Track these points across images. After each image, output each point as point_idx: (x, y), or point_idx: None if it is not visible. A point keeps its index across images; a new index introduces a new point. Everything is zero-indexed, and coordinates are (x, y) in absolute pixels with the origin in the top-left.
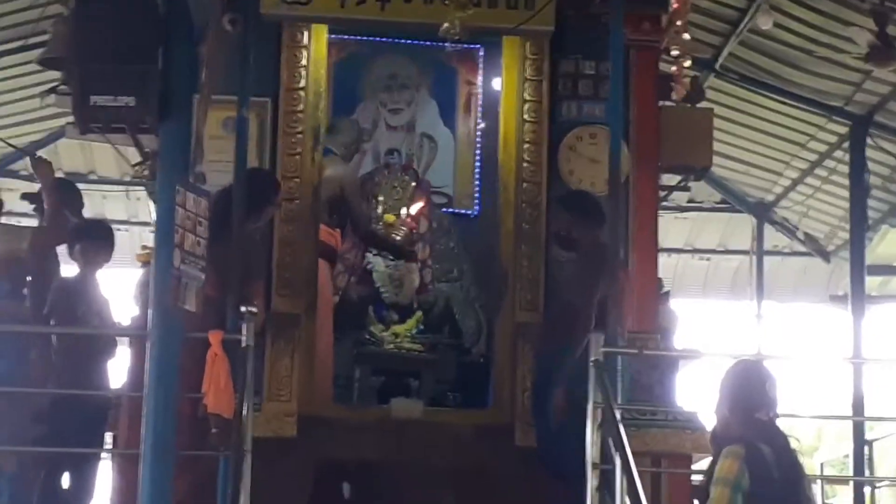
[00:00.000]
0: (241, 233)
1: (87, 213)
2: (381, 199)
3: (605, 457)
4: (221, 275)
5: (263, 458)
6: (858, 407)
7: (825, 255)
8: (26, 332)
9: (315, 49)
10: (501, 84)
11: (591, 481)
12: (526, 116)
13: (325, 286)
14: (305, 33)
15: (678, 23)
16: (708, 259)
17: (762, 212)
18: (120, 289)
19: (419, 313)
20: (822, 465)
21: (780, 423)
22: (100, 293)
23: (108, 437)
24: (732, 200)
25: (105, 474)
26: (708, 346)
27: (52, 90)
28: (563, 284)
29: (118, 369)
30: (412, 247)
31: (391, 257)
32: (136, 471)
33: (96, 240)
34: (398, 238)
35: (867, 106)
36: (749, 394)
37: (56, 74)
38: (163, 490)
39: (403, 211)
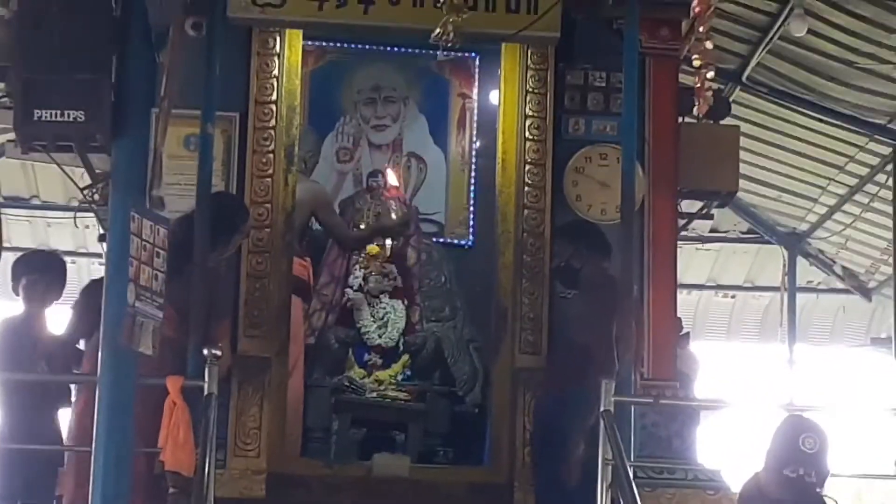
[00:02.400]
0: (204, 265)
1: (30, 242)
2: (362, 226)
3: None
4: (181, 313)
5: None
6: None
7: (866, 293)
8: None
9: (289, 57)
10: (500, 97)
11: None
12: (528, 134)
13: (298, 325)
14: (278, 39)
15: (700, 29)
16: (734, 296)
17: (795, 243)
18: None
19: (406, 357)
20: None
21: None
22: (48, 334)
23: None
24: (761, 230)
25: None
26: (733, 394)
27: None
28: (568, 323)
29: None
30: (407, 226)
31: (394, 238)
32: None
33: (46, 273)
34: (394, 218)
35: None
36: (780, 447)
37: None
38: None
39: (391, 177)
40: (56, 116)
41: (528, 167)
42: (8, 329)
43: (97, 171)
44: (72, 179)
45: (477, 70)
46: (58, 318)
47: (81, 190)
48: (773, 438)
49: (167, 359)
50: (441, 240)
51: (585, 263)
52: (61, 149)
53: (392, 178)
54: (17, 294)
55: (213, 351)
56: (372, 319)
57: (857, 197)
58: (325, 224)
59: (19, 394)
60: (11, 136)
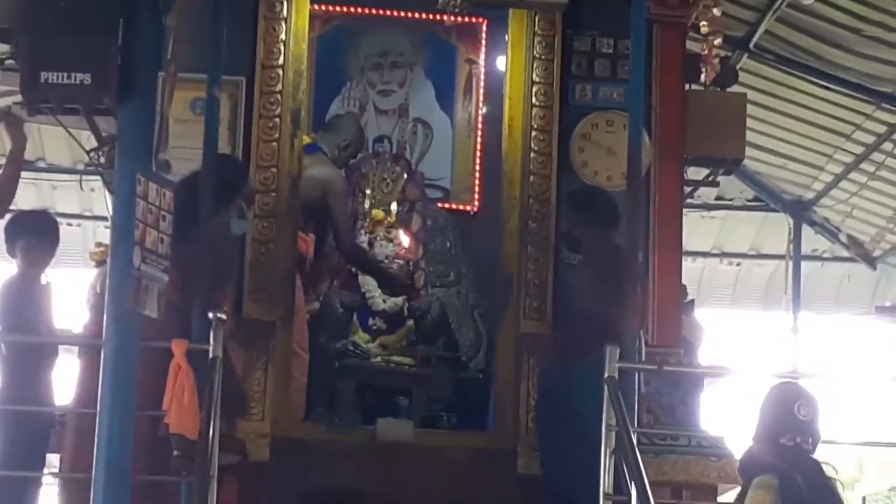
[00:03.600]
0: (208, 229)
1: (35, 204)
2: (368, 192)
3: (619, 487)
4: (185, 276)
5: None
6: None
7: (871, 261)
8: None
9: (296, 22)
10: (507, 63)
11: None
12: (534, 100)
13: (301, 290)
14: (285, 4)
15: None
16: (738, 264)
17: (800, 211)
18: (71, 292)
19: (410, 322)
20: (863, 498)
21: (818, 450)
22: (45, 296)
23: (53, 460)
24: (767, 198)
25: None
26: (737, 362)
27: (1, 66)
28: (572, 291)
29: (63, 382)
30: (409, 280)
31: (384, 292)
32: (85, 498)
33: (41, 235)
34: (392, 270)
35: None
36: (775, 416)
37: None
38: None
39: (405, 239)
40: (62, 79)
41: (534, 133)
42: (8, 289)
43: (103, 133)
44: (78, 142)
45: (484, 36)
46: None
47: (88, 153)
48: (765, 407)
49: (171, 322)
50: (446, 205)
51: (587, 234)
52: (68, 111)
53: (405, 241)
54: (14, 256)
55: (219, 314)
56: (377, 284)
57: (864, 165)
58: (332, 212)
59: (19, 355)
60: (18, 98)
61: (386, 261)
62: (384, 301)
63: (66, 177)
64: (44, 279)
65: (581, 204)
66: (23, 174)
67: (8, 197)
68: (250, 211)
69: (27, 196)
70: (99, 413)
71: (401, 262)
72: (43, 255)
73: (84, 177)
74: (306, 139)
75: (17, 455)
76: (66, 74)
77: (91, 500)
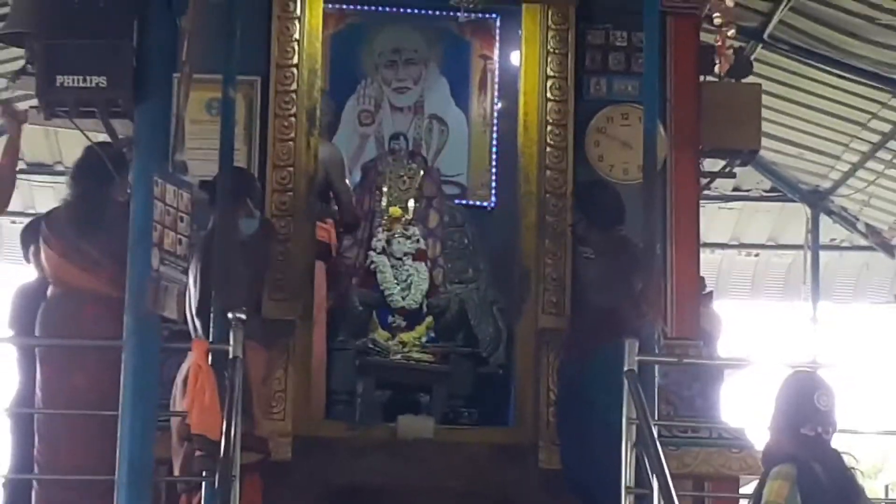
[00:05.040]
0: (226, 231)
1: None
2: (385, 189)
3: (641, 480)
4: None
5: None
6: None
7: (889, 249)
8: None
9: (310, 20)
10: (521, 58)
11: None
12: (549, 95)
13: (320, 288)
14: (298, 2)
15: None
16: (756, 255)
17: (817, 201)
18: None
19: (429, 319)
20: (886, 487)
21: (837, 441)
22: None
23: None
24: (784, 188)
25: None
26: (757, 353)
27: (22, 71)
28: (586, 285)
29: None
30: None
31: (414, 205)
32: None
33: None
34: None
35: None
36: (795, 406)
37: (18, 52)
38: None
39: (410, 203)
40: (78, 82)
41: (549, 128)
42: (24, 295)
43: (120, 136)
44: (91, 142)
45: (498, 31)
46: None
47: None
48: (784, 398)
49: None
50: (463, 202)
51: (591, 229)
52: (84, 114)
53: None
54: (29, 261)
55: (238, 315)
56: (395, 282)
57: (880, 154)
58: (334, 188)
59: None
60: (34, 102)
61: (404, 258)
62: (403, 298)
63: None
64: None
65: (581, 201)
66: (40, 178)
67: (6, 189)
68: (257, 210)
69: (45, 199)
70: (121, 414)
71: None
72: None
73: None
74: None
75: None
76: (81, 77)
77: (114, 500)
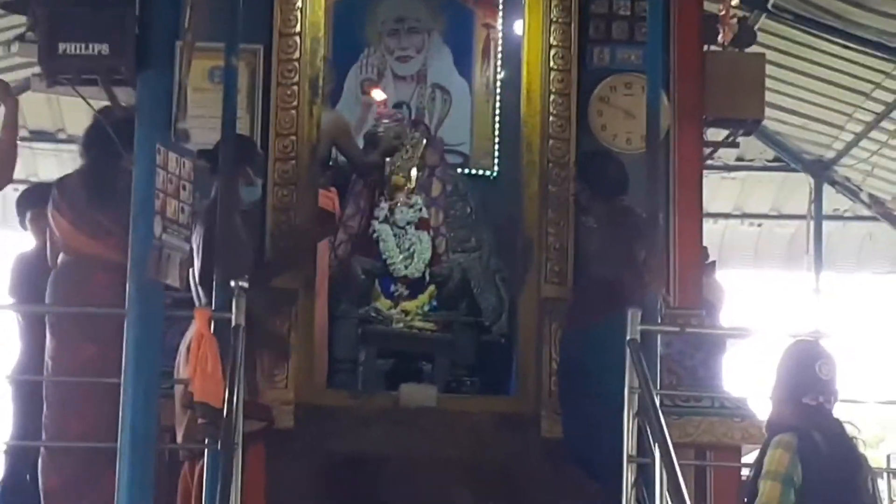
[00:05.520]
0: (229, 199)
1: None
2: (388, 159)
3: (643, 449)
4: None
5: None
6: None
7: (892, 220)
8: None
9: None
10: (524, 27)
11: (628, 476)
12: (552, 64)
13: (322, 256)
14: None
15: None
16: (759, 225)
17: (821, 171)
18: None
19: (432, 287)
20: (888, 456)
21: (840, 410)
22: None
23: None
24: (787, 158)
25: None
26: (759, 322)
27: (20, 37)
28: (589, 255)
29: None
30: (400, 138)
31: (417, 174)
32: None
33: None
34: (384, 135)
35: None
36: (796, 376)
37: (20, 19)
38: (143, 489)
39: (377, 94)
40: (80, 50)
41: (552, 97)
42: (24, 263)
43: (122, 104)
44: (95, 111)
45: (501, 0)
46: None
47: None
48: (785, 367)
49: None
50: (466, 170)
51: (593, 199)
52: (86, 82)
53: (378, 95)
54: (26, 228)
55: (240, 283)
56: (398, 250)
57: (884, 123)
58: (345, 152)
59: (34, 327)
60: (37, 69)
61: (406, 227)
62: (406, 267)
63: None
64: None
65: (583, 171)
66: (44, 145)
67: (9, 162)
68: (258, 178)
69: (48, 167)
70: (123, 382)
71: (385, 120)
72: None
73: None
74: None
75: (36, 423)
76: (83, 45)
77: (116, 468)
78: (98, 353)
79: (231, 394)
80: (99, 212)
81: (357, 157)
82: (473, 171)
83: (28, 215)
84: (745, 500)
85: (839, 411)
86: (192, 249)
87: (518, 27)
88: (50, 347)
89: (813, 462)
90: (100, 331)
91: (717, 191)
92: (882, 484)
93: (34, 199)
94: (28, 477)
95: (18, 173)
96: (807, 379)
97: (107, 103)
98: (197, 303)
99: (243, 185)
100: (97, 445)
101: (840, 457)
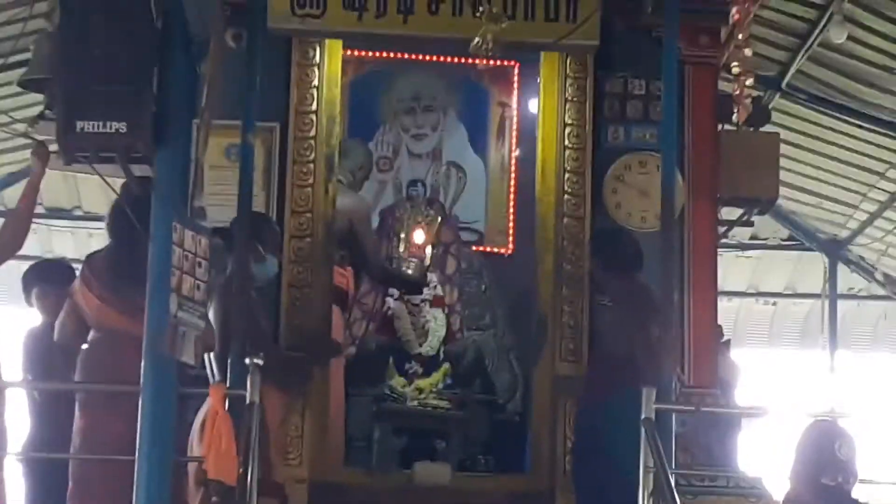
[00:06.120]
0: (243, 276)
1: (73, 252)
2: (402, 236)
3: None
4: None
5: None
6: None
7: None
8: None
9: (329, 67)
10: (539, 106)
11: None
12: (567, 142)
13: (337, 334)
14: (318, 49)
15: (739, 36)
16: (774, 303)
17: (835, 250)
18: None
19: (446, 365)
20: None
21: (858, 490)
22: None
23: None
24: (802, 237)
25: None
26: (774, 401)
27: (40, 116)
28: (603, 332)
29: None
30: (425, 279)
31: (405, 295)
32: None
33: (53, 283)
34: (410, 272)
35: None
36: (815, 456)
37: (39, 97)
38: None
39: (419, 235)
40: (98, 128)
41: (567, 175)
42: (33, 339)
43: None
44: (114, 190)
45: (516, 79)
46: None
47: None
48: (803, 447)
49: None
50: (481, 248)
51: (608, 276)
52: (104, 160)
53: (419, 237)
54: (31, 304)
55: (255, 360)
56: (412, 328)
57: None
58: (359, 238)
59: (48, 404)
60: (54, 147)
61: (404, 266)
62: (420, 345)
63: (103, 224)
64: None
65: (599, 247)
66: (60, 222)
67: (20, 231)
68: (271, 255)
69: (64, 243)
70: (137, 458)
71: (414, 259)
72: (58, 301)
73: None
74: None
75: (46, 501)
76: (101, 123)
77: None
78: (126, 430)
79: (245, 471)
80: (128, 289)
81: (371, 247)
82: (488, 249)
83: (34, 292)
84: None
85: (857, 492)
86: (209, 326)
87: (533, 106)
88: (79, 425)
89: None
90: (129, 407)
91: (732, 269)
92: None
93: (40, 276)
94: None
95: (34, 250)
96: (826, 459)
97: (123, 180)
98: (211, 379)
99: (253, 261)
100: None
101: None
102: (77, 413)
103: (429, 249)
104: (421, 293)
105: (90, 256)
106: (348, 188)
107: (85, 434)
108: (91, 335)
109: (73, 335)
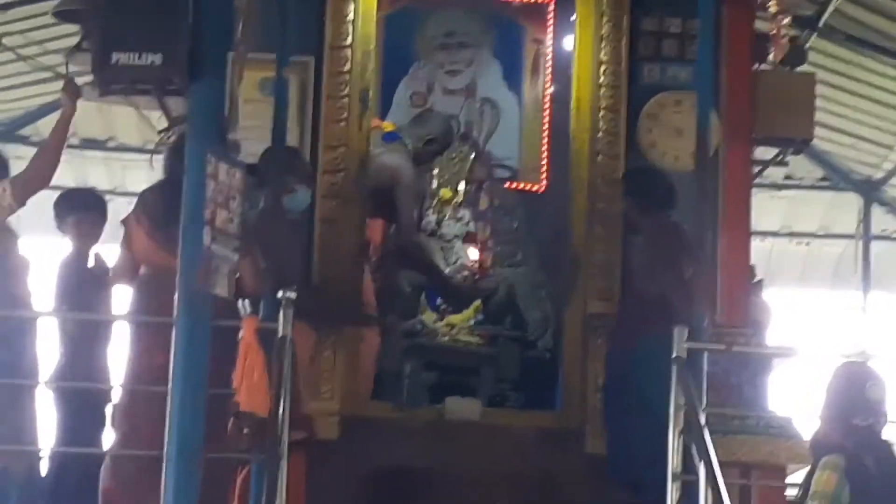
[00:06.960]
0: (276, 210)
1: (106, 183)
2: (436, 171)
3: (688, 467)
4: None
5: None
6: None
7: None
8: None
9: (363, 2)
10: (574, 43)
11: (672, 494)
12: (602, 80)
13: (369, 295)
14: None
15: None
16: (807, 244)
17: (869, 190)
18: None
19: (478, 301)
20: None
21: (888, 432)
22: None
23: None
24: (836, 177)
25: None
26: (806, 342)
27: (77, 47)
28: (635, 271)
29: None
30: (457, 297)
31: (465, 187)
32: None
33: (90, 210)
34: (455, 284)
35: None
36: (846, 397)
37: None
38: (189, 496)
39: (461, 186)
40: (133, 60)
41: (602, 113)
42: (65, 267)
43: (174, 114)
44: (148, 122)
45: (552, 16)
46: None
47: (158, 133)
48: (835, 388)
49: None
50: (514, 185)
51: (641, 216)
52: (138, 92)
53: (473, 255)
54: (64, 232)
55: (288, 294)
56: (445, 264)
57: None
58: (398, 203)
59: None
60: (89, 78)
61: (453, 240)
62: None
63: (137, 156)
64: (92, 255)
65: (632, 186)
66: (94, 153)
67: (50, 166)
68: (303, 188)
69: (98, 175)
70: (170, 392)
71: (466, 273)
72: (93, 229)
73: (154, 156)
74: (389, 126)
75: (77, 429)
76: (136, 55)
77: (162, 478)
78: (166, 362)
79: (277, 406)
80: (174, 227)
81: (405, 217)
82: (521, 186)
83: (70, 220)
84: None
85: (888, 433)
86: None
87: (568, 43)
88: (128, 357)
89: (861, 483)
90: (170, 341)
91: (766, 209)
92: None
93: (76, 204)
94: (74, 480)
95: (68, 180)
96: (856, 400)
97: (158, 112)
98: (243, 312)
99: (283, 194)
100: (145, 454)
101: (889, 478)
102: (130, 345)
103: (483, 199)
104: (450, 302)
105: (143, 192)
106: (406, 153)
107: (133, 364)
108: (142, 269)
109: (122, 269)
